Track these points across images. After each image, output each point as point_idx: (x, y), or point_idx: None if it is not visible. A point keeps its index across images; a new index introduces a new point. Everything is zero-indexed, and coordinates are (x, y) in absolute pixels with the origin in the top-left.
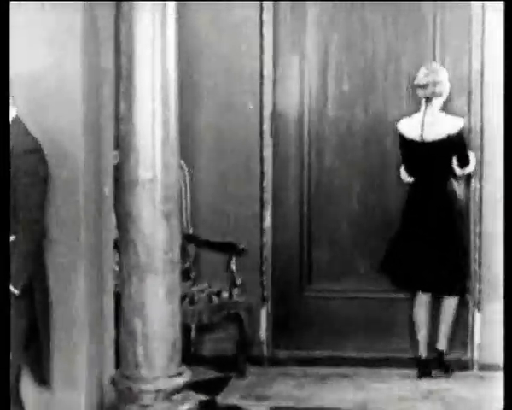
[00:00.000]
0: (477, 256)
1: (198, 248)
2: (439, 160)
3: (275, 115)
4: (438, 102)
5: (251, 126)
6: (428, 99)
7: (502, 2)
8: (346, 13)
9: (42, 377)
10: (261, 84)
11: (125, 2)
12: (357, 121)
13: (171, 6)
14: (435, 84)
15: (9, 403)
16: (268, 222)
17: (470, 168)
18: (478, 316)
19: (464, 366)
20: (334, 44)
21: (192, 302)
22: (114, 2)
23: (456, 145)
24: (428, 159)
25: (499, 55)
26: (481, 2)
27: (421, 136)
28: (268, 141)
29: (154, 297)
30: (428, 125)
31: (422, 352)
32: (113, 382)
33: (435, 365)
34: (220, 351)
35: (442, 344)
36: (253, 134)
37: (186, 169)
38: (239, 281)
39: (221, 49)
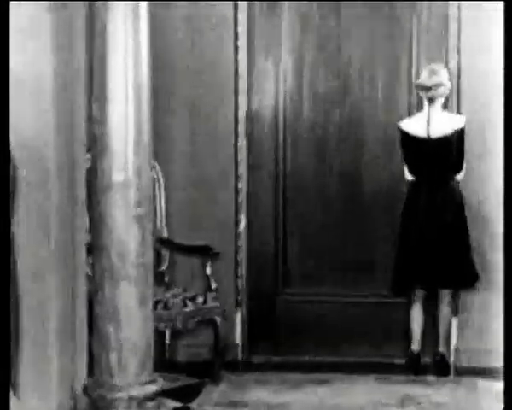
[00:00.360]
0: None
1: (172, 252)
2: (444, 157)
3: (250, 117)
4: (440, 101)
5: (226, 128)
6: (431, 99)
7: (479, 2)
8: (322, 14)
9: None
10: (235, 84)
11: (97, 2)
12: (332, 122)
13: (144, 6)
14: (438, 85)
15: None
16: (243, 226)
17: (461, 175)
18: (454, 321)
19: (441, 370)
20: (310, 45)
21: (166, 307)
22: (87, 1)
23: (458, 140)
24: (435, 156)
25: (477, 54)
26: (457, 1)
27: (428, 133)
28: (243, 143)
29: (127, 303)
30: (435, 122)
31: (416, 347)
32: (86, 390)
33: (435, 370)
34: (195, 357)
35: (443, 346)
36: (228, 136)
37: (160, 172)
38: (214, 285)
39: (195, 48)
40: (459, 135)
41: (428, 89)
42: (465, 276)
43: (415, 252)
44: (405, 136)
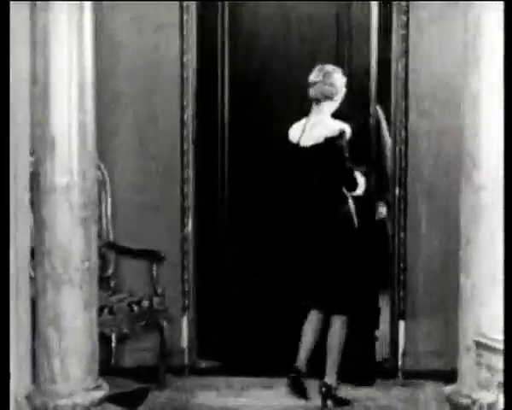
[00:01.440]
0: (401, 264)
1: (118, 255)
2: (320, 172)
3: (197, 119)
4: (328, 106)
5: (171, 131)
6: (318, 101)
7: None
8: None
9: None
10: (181, 86)
11: (40, 3)
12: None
13: (88, 6)
14: (325, 83)
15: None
16: (190, 229)
17: (359, 191)
18: (402, 324)
19: (388, 373)
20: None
21: (112, 312)
22: (30, 2)
23: (336, 155)
24: (307, 170)
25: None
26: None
27: (300, 140)
28: (190, 146)
29: (71, 308)
30: (311, 128)
31: (301, 364)
32: (29, 397)
33: (324, 402)
34: (141, 361)
35: (330, 377)
36: (174, 139)
37: (106, 174)
38: (160, 290)
39: (141, 50)
40: (336, 144)
41: (313, 84)
42: (335, 301)
43: (296, 266)
44: (288, 141)
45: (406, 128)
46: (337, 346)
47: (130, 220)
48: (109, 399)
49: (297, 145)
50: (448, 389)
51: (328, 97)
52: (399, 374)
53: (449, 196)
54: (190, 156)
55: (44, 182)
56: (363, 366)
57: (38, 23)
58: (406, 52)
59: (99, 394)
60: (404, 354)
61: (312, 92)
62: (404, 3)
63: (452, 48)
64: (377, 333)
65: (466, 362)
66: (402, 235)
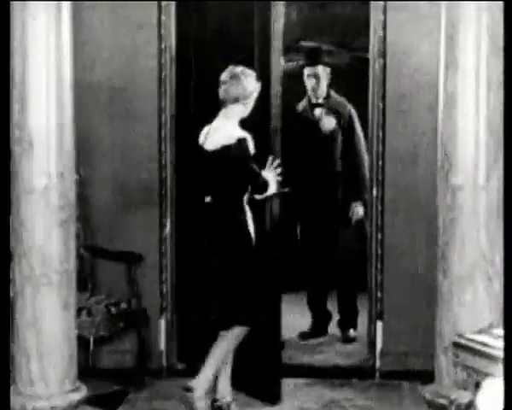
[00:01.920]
0: (379, 265)
1: (96, 257)
2: (219, 178)
3: (175, 119)
4: (235, 110)
5: (150, 131)
6: (225, 103)
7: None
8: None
9: None
10: (160, 86)
11: (17, 2)
12: None
13: (66, 6)
14: (231, 85)
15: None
16: (168, 230)
17: (270, 191)
18: (379, 324)
19: (366, 374)
20: None
21: (90, 314)
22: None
23: (233, 162)
24: (210, 175)
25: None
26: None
27: (204, 143)
28: (167, 146)
29: (49, 310)
30: (212, 131)
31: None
32: None
33: None
34: (120, 363)
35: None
36: (152, 139)
37: (84, 175)
38: (138, 291)
39: (120, 49)
40: (231, 154)
41: (221, 84)
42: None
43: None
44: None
45: (383, 128)
46: (216, 361)
47: (108, 222)
48: (88, 401)
49: (201, 149)
50: (425, 389)
51: (236, 100)
52: (377, 374)
53: (426, 197)
54: (168, 157)
55: (23, 183)
56: (266, 382)
57: (16, 23)
58: (384, 52)
59: (77, 396)
60: (381, 355)
61: (220, 93)
62: (381, 3)
63: (429, 48)
64: (353, 333)
65: (443, 362)
66: (379, 236)
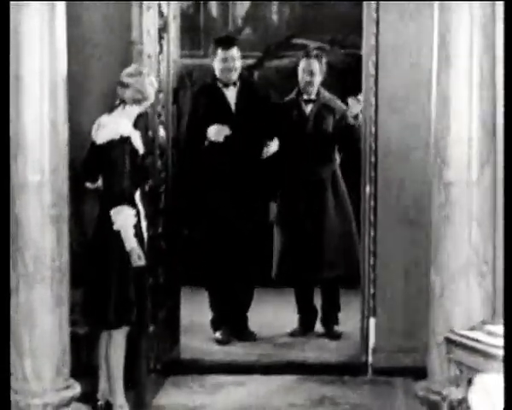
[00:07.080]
0: (372, 261)
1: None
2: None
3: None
4: (132, 109)
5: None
6: (122, 100)
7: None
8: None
9: None
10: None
11: (12, 2)
12: None
13: (60, 5)
14: (122, 84)
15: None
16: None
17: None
18: (372, 321)
19: (358, 370)
20: None
21: None
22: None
23: (113, 160)
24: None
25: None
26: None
27: (95, 136)
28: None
29: (42, 307)
30: (102, 126)
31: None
32: None
33: None
34: None
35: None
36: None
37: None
38: None
39: (113, 49)
40: (113, 151)
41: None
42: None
43: None
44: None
45: (376, 125)
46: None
47: None
48: (81, 398)
49: (93, 143)
50: (418, 385)
51: (130, 98)
52: (369, 371)
53: (419, 193)
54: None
55: (16, 179)
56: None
57: (11, 21)
58: (377, 49)
59: (70, 393)
60: (374, 351)
61: (118, 91)
62: (373, 2)
63: (422, 46)
64: (338, 330)
65: (436, 359)
66: (372, 232)
